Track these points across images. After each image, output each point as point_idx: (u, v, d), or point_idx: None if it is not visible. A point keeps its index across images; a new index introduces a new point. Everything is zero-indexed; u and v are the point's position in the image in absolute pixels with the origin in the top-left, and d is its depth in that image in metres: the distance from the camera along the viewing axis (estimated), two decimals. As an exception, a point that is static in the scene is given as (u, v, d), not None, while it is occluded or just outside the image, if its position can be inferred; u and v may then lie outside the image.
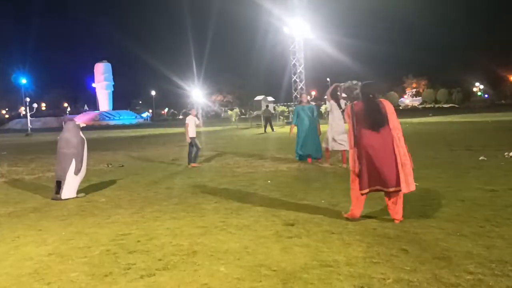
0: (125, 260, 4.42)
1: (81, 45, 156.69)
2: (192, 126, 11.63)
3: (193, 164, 11.57)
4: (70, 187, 7.81)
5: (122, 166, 12.46)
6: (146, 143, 22.17)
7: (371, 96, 5.62)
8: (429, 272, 3.73)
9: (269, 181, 8.71)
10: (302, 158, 11.30)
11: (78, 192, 7.98)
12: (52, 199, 7.76)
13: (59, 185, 7.78)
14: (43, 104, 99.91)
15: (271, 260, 4.20)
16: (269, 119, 30.09)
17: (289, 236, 4.98)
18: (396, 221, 5.30)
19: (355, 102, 5.72)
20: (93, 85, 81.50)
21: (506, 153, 10.83)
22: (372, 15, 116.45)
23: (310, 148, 11.11)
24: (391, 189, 5.31)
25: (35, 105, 46.39)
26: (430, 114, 44.37)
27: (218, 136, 26.29)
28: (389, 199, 5.44)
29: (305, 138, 11.10)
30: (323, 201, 6.69)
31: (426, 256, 4.12)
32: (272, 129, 28.49)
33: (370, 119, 5.43)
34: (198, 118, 12.03)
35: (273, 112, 33.15)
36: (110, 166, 12.59)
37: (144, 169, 11.56)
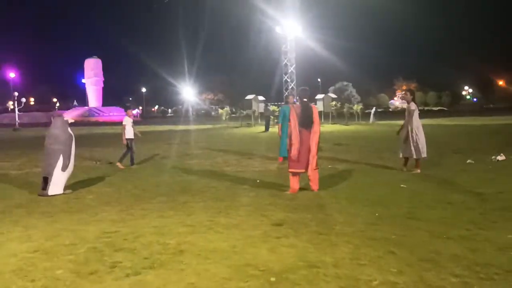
0: (111, 258, 4.38)
1: (71, 40, 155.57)
2: (129, 127, 11.48)
3: (118, 164, 11.22)
4: (57, 183, 7.73)
5: (111, 163, 12.36)
6: (135, 140, 22.02)
7: (305, 100, 7.40)
8: (415, 274, 3.75)
9: (258, 181, 8.71)
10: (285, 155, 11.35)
11: (65, 188, 7.91)
12: (39, 195, 7.68)
13: (46, 181, 7.70)
14: (32, 99, 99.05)
15: (258, 260, 4.19)
16: (268, 118, 30.20)
17: (277, 236, 4.97)
18: (314, 189, 7.30)
19: (295, 104, 7.47)
20: (83, 80, 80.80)
21: (493, 157, 10.94)
22: (364, 18, 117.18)
23: None
24: (298, 171, 7.25)
25: (23, 100, 45.96)
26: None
27: (208, 134, 26.24)
28: (310, 178, 7.35)
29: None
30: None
31: (413, 258, 4.13)
32: (267, 129, 28.47)
33: (304, 119, 7.19)
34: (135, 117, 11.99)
35: (272, 111, 33.28)
36: (98, 163, 12.50)
37: (133, 166, 11.48)
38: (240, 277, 3.80)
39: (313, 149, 7.31)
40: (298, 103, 7.68)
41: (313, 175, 7.39)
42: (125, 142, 11.43)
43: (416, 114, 9.26)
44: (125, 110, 13.07)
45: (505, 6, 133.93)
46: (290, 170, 7.36)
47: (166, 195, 7.56)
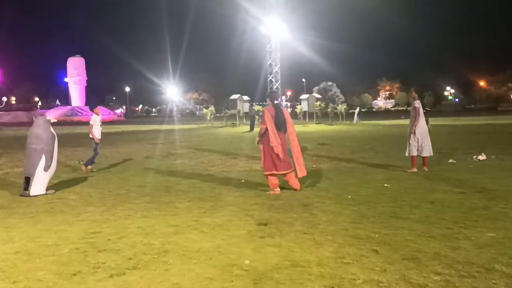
0: (95, 259, 4.34)
1: (53, 38, 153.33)
2: (98, 127, 10.64)
3: (83, 167, 10.49)
4: (39, 184, 7.63)
5: (94, 163, 12.23)
6: (119, 140, 21.86)
7: (276, 102, 7.51)
8: (398, 272, 3.79)
9: (243, 180, 8.71)
10: None
11: (48, 188, 7.82)
12: (20, 195, 7.57)
13: (27, 181, 7.60)
14: (13, 98, 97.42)
15: (243, 260, 4.19)
16: (253, 118, 30.23)
17: (262, 236, 4.98)
18: (297, 189, 7.33)
19: (268, 107, 7.47)
20: (66, 79, 79.65)
21: (474, 156, 11.11)
22: (348, 19, 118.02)
23: None
24: (287, 171, 7.31)
25: (4, 99, 45.22)
26: (403, 117, 45.03)
27: (193, 134, 26.15)
28: (288, 179, 7.39)
29: None
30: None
31: (396, 256, 4.18)
32: (252, 129, 28.44)
33: (279, 122, 7.29)
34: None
35: (256, 111, 33.32)
36: (81, 162, 12.34)
37: (116, 166, 11.40)
38: (225, 277, 3.81)
39: (297, 151, 7.39)
40: (269, 105, 7.66)
41: (293, 178, 7.41)
42: (97, 141, 10.53)
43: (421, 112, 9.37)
44: (91, 109, 11.56)
45: (487, 8, 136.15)
46: (275, 172, 7.32)
47: (150, 195, 7.52)
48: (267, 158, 7.36)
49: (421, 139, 9.26)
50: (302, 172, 7.47)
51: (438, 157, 11.57)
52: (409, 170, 9.25)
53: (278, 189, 7.34)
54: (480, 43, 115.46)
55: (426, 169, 9.28)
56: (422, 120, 9.32)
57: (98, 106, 11.31)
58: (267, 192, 7.35)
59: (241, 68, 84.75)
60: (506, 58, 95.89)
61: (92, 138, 10.61)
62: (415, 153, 9.29)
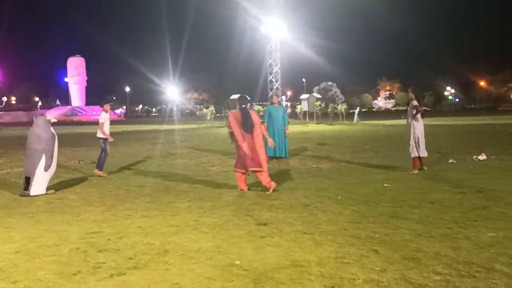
0: (95, 258, 4.34)
1: (53, 38, 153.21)
2: (107, 125, 9.99)
3: (98, 171, 9.72)
4: (39, 184, 7.64)
5: (94, 162, 12.21)
6: (119, 140, 21.86)
7: (244, 106, 7.75)
8: (398, 272, 3.79)
9: (243, 181, 8.70)
10: (271, 154, 11.45)
11: (48, 188, 7.82)
12: (21, 195, 7.58)
13: (28, 181, 7.60)
14: (13, 98, 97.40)
15: (243, 260, 4.19)
16: None
17: (262, 235, 4.98)
18: (269, 188, 7.39)
19: (233, 111, 7.91)
20: (66, 79, 79.68)
21: (474, 156, 11.11)
22: (348, 19, 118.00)
23: (278, 147, 11.29)
24: (256, 169, 7.51)
25: (4, 99, 45.29)
26: (403, 117, 44.94)
27: (193, 134, 26.14)
28: (259, 176, 7.57)
29: (276, 137, 11.26)
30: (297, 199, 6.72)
31: (396, 256, 4.18)
32: None
33: (246, 124, 7.54)
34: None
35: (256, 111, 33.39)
36: (81, 162, 12.38)
37: (116, 166, 11.40)
38: (225, 277, 3.81)
39: (261, 151, 7.55)
40: (237, 109, 7.87)
41: (264, 178, 7.55)
42: (111, 139, 10.00)
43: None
44: (101, 106, 10.21)
45: (486, 9, 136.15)
46: (246, 170, 7.57)
47: (150, 195, 7.52)
48: (238, 157, 7.68)
49: (419, 139, 9.20)
50: (264, 168, 7.60)
51: (438, 157, 11.57)
52: (410, 172, 9.23)
53: (246, 187, 7.67)
54: (480, 43, 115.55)
55: (426, 168, 9.28)
56: (420, 118, 9.29)
57: (106, 104, 10.46)
58: (237, 190, 7.61)
59: (241, 68, 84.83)
60: (506, 58, 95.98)
61: (100, 138, 9.95)
62: (416, 154, 9.27)
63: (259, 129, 7.68)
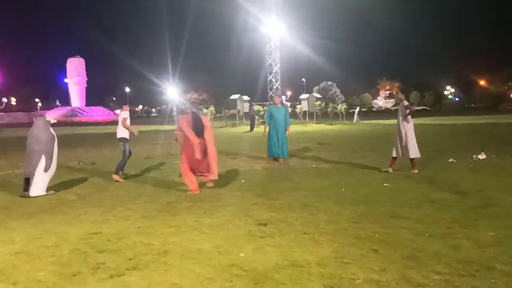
0: (95, 259, 4.34)
1: (53, 39, 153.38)
2: (128, 121, 9.54)
3: (116, 176, 9.15)
4: (39, 184, 7.63)
5: (94, 163, 12.27)
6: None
7: (195, 110, 8.06)
8: (398, 272, 3.79)
9: (242, 181, 8.71)
10: (273, 155, 11.46)
11: (48, 189, 7.82)
12: (21, 196, 7.57)
13: (27, 182, 7.60)
14: (13, 99, 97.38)
15: (243, 260, 4.19)
16: (253, 118, 30.19)
17: (262, 236, 4.98)
18: (210, 183, 7.88)
19: (185, 115, 7.92)
20: (66, 80, 79.65)
21: (474, 156, 11.11)
22: (348, 19, 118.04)
23: (279, 148, 11.30)
24: (203, 174, 7.80)
25: (4, 100, 45.30)
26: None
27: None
28: (205, 178, 7.88)
29: (277, 138, 11.28)
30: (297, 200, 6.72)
31: (396, 256, 4.18)
32: (252, 129, 28.36)
33: (196, 128, 7.69)
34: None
35: (257, 111, 33.36)
36: (81, 163, 12.38)
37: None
38: (225, 277, 3.81)
39: (213, 152, 7.78)
40: (189, 113, 7.92)
41: (207, 178, 7.85)
42: (136, 132, 9.61)
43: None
44: (121, 107, 9.20)
45: (487, 8, 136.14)
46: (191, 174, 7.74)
47: (150, 195, 7.52)
48: (184, 161, 7.73)
49: (406, 140, 9.07)
50: (213, 175, 7.78)
51: (438, 156, 11.58)
52: (384, 169, 9.26)
53: (197, 187, 7.68)
54: (480, 42, 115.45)
55: (416, 171, 8.99)
56: (411, 119, 9.24)
57: (126, 105, 10.07)
58: (187, 192, 7.56)
59: (241, 68, 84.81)
60: (505, 57, 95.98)
61: (120, 140, 9.51)
62: (394, 155, 9.22)
63: (210, 134, 7.85)
